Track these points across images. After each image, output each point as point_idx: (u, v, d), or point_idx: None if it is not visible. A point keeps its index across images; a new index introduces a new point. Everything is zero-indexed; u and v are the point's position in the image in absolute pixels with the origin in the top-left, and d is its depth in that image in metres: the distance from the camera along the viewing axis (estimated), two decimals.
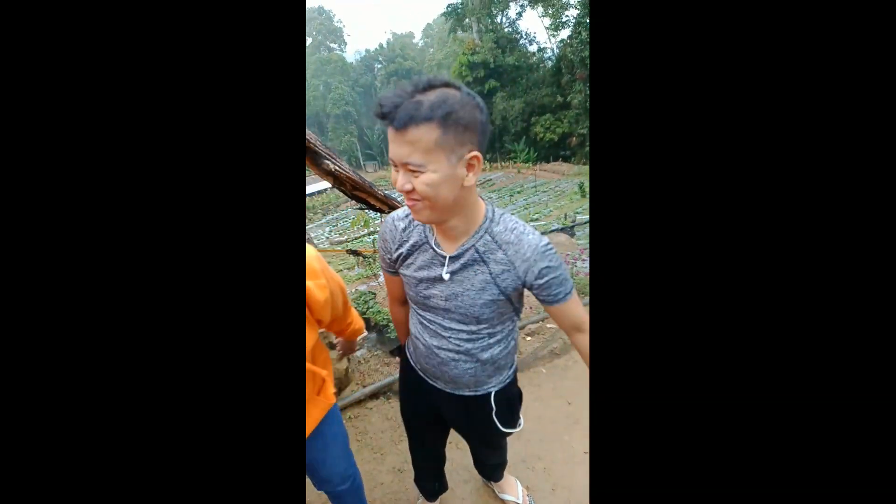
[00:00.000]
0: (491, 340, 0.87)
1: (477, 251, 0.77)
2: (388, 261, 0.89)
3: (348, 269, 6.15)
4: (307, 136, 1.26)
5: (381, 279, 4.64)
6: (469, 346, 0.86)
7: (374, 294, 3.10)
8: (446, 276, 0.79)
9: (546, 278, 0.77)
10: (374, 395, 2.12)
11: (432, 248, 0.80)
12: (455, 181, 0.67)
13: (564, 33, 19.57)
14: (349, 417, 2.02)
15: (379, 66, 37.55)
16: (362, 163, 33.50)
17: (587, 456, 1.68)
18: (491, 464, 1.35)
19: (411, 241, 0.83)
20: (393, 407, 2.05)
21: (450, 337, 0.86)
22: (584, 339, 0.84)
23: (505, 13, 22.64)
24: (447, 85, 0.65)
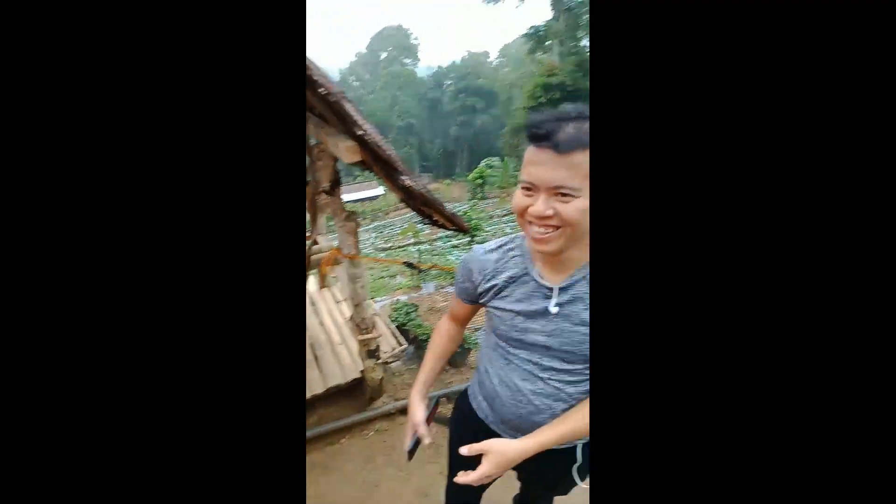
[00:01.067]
0: (586, 386, 0.80)
1: (588, 283, 0.73)
2: (469, 291, 0.86)
3: (391, 276, 6.25)
4: (388, 152, 1.29)
5: (424, 291, 4.66)
6: (571, 389, 0.78)
7: (416, 307, 3.10)
8: (554, 310, 0.74)
9: None
10: (404, 411, 2.09)
11: (535, 280, 0.76)
12: None
13: None
14: (377, 429, 2.00)
15: (449, 82, 38.61)
16: (418, 174, 34.37)
17: None
18: None
19: (507, 273, 0.78)
20: None
21: (548, 378, 0.78)
22: None
23: (588, 37, 22.59)
24: None
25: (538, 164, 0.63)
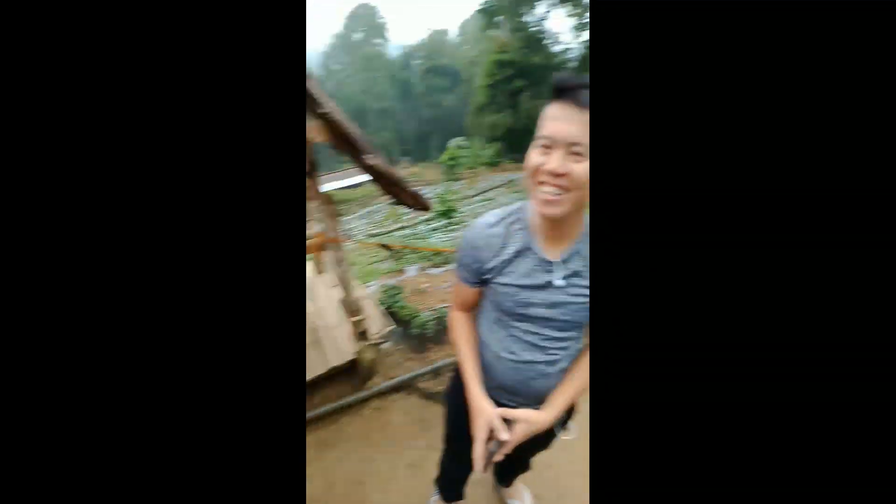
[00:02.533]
0: (577, 346, 0.87)
1: (583, 257, 0.77)
2: (476, 271, 0.84)
3: (379, 262, 6.25)
4: (352, 131, 1.29)
5: (408, 274, 4.68)
6: (563, 353, 0.85)
7: (401, 289, 3.14)
8: (561, 283, 0.77)
9: None
10: (396, 389, 2.15)
11: (536, 255, 0.78)
12: None
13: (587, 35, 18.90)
14: (374, 408, 2.06)
15: (417, 61, 37.66)
16: (398, 159, 33.82)
17: None
18: (514, 468, 1.33)
19: (513, 248, 0.79)
20: (413, 403, 2.07)
21: (547, 347, 0.83)
22: None
23: (531, 13, 22.25)
24: None
25: (560, 119, 0.65)
